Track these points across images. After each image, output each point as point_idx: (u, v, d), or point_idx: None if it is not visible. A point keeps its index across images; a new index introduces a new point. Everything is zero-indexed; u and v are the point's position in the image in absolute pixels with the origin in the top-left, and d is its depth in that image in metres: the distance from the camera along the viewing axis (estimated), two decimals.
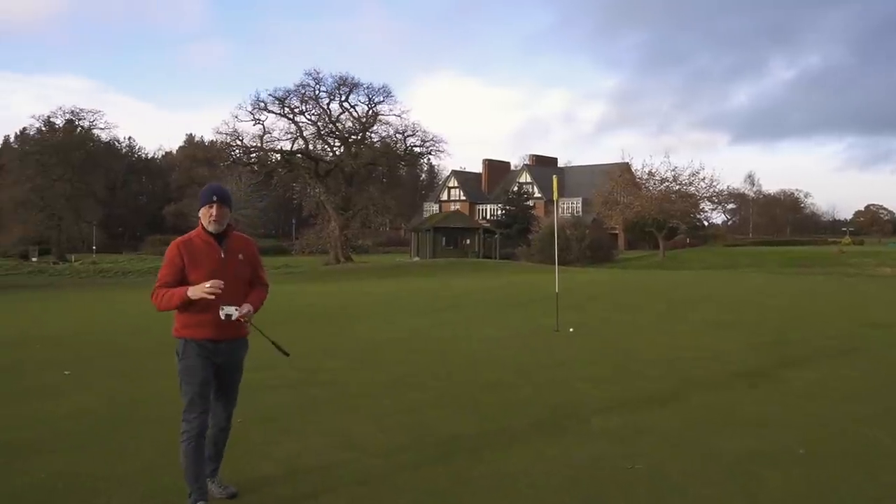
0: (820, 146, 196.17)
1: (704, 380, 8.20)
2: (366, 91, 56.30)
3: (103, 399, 7.43)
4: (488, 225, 68.89)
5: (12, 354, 10.46)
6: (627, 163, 65.37)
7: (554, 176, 13.62)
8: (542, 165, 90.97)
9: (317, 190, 56.32)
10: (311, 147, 57.35)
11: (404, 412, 6.76)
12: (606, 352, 10.30)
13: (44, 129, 74.39)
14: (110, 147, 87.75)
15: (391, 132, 57.84)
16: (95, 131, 76.90)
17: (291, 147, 56.60)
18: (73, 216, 73.05)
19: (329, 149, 59.17)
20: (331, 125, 57.13)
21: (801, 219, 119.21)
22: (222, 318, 4.18)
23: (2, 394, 7.76)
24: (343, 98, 56.28)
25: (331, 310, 17.27)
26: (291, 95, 55.12)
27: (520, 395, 7.50)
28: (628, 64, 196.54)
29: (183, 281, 4.25)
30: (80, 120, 74.88)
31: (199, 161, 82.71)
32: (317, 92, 55.61)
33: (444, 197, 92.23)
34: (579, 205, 77.59)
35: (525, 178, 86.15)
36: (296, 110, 55.67)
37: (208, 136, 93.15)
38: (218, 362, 4.35)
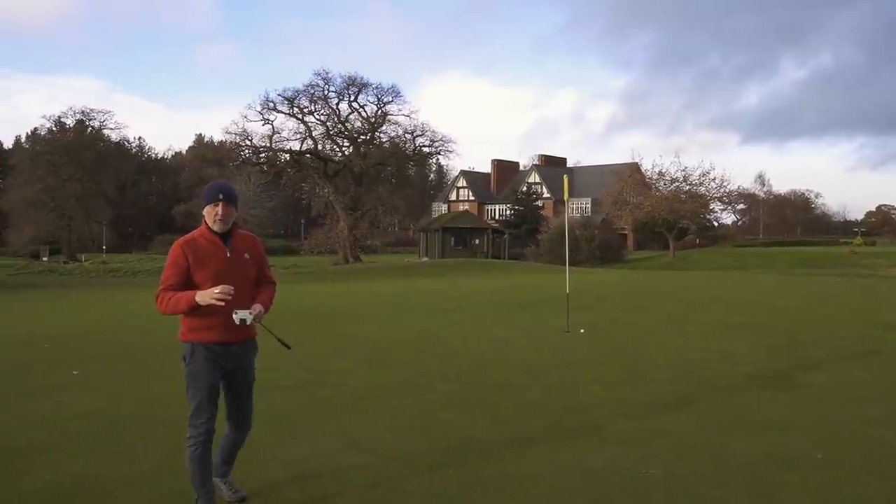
0: (831, 146, 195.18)
1: (717, 382, 8.10)
2: (375, 91, 56.40)
3: (112, 399, 7.40)
4: (497, 225, 68.81)
5: (21, 354, 10.45)
6: (637, 163, 65.20)
7: (565, 175, 13.53)
8: (551, 165, 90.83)
9: (326, 190, 56.35)
10: (320, 147, 57.42)
11: (414, 414, 6.70)
12: (617, 353, 10.21)
13: (54, 129, 74.76)
14: (120, 147, 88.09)
15: (400, 132, 57.92)
16: (106, 131, 77.35)
17: (300, 147, 56.71)
18: (83, 216, 73.37)
19: (338, 149, 59.25)
20: (340, 125, 57.17)
21: (811, 219, 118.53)
22: (237, 322, 4.04)
23: (10, 393, 7.73)
24: (352, 98, 56.37)
25: (339, 310, 17.23)
26: (300, 95, 55.26)
27: (530, 396, 7.43)
28: (638, 64, 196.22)
29: (188, 282, 4.09)
30: (90, 120, 75.29)
31: (209, 161, 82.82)
32: (326, 92, 55.70)
33: (453, 197, 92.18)
34: (588, 205, 77.45)
35: (534, 178, 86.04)
36: (305, 110, 55.76)
37: (217, 137, 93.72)
38: (228, 366, 4.22)
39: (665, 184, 59.73)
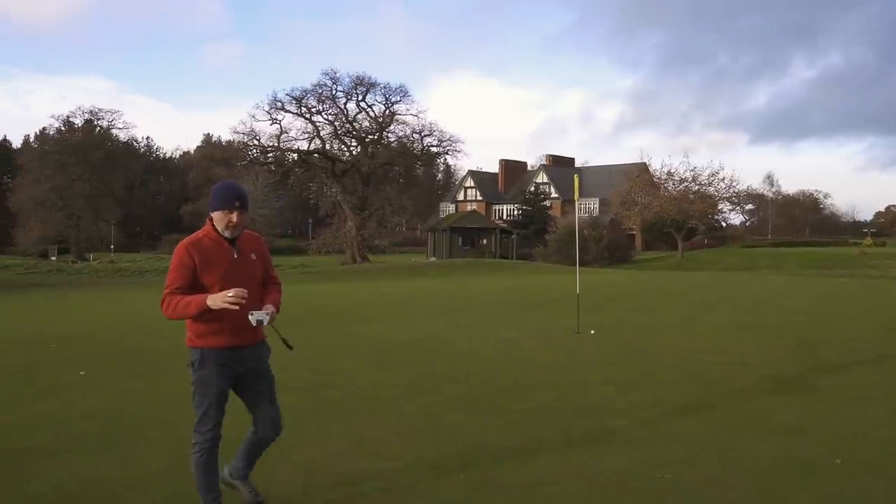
0: (840, 146, 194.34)
1: (730, 384, 7.99)
2: (383, 91, 56.46)
3: (119, 400, 7.35)
4: (505, 225, 68.70)
5: (28, 354, 10.43)
6: (645, 163, 64.99)
7: (576, 175, 13.45)
8: (559, 165, 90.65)
9: (333, 190, 56.42)
10: (327, 147, 57.47)
11: (422, 416, 6.62)
12: (628, 354, 10.11)
13: (63, 128, 75.11)
14: (129, 147, 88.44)
15: (408, 132, 57.99)
16: (114, 131, 77.72)
17: (308, 147, 56.83)
18: (91, 215, 73.65)
19: (346, 148, 59.30)
20: (348, 125, 57.24)
21: (820, 220, 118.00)
22: (253, 324, 3.89)
23: (17, 394, 7.71)
24: (360, 98, 56.44)
25: (347, 310, 17.19)
26: (308, 95, 55.36)
27: (541, 399, 7.33)
28: (646, 64, 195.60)
29: (195, 284, 3.92)
30: (98, 120, 75.65)
31: (217, 161, 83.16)
32: (334, 91, 55.81)
33: (461, 197, 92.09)
34: (596, 205, 77.24)
35: (542, 178, 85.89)
36: (313, 110, 55.86)
37: (225, 136, 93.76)
38: (239, 371, 4.07)
39: (674, 184, 59.52)
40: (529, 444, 5.72)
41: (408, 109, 57.44)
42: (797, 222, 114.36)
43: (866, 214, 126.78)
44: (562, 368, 9.08)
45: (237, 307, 3.77)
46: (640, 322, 13.96)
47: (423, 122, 57.89)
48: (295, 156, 57.30)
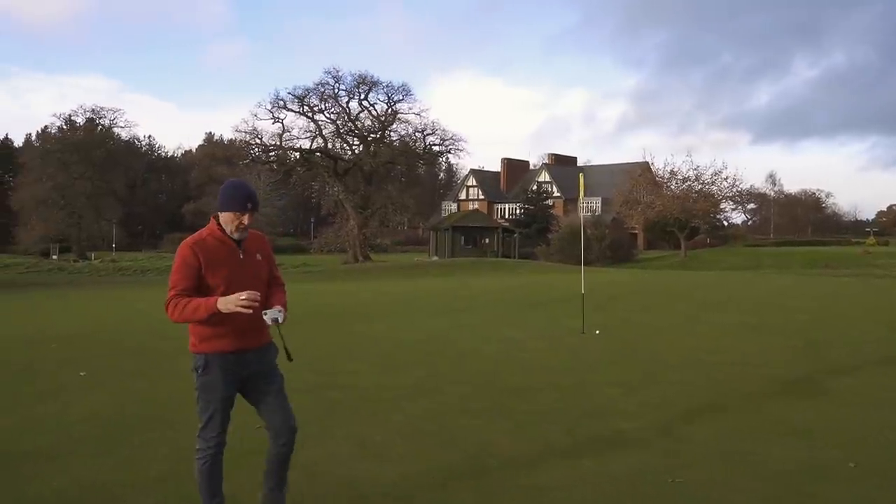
0: (843, 146, 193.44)
1: (738, 385, 7.89)
2: (385, 90, 56.38)
3: (120, 401, 7.27)
4: (507, 224, 68.60)
5: (28, 354, 10.34)
6: (647, 162, 64.88)
7: (580, 174, 13.38)
8: (562, 164, 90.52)
9: (335, 189, 56.36)
10: (330, 146, 57.42)
11: (426, 418, 6.52)
12: (633, 355, 10.02)
13: (65, 127, 75.01)
14: (130, 146, 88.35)
15: (410, 131, 57.90)
16: (116, 130, 77.59)
17: (310, 146, 56.75)
18: (93, 214, 73.56)
19: (348, 147, 59.24)
20: (350, 124, 57.17)
21: (822, 219, 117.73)
22: (268, 322, 3.76)
23: (17, 395, 7.61)
24: (362, 97, 56.36)
25: (349, 309, 17.10)
26: (311, 94, 55.30)
27: (547, 400, 7.24)
28: (649, 63, 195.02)
29: (200, 285, 3.76)
30: (100, 118, 75.52)
31: (219, 160, 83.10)
32: (336, 90, 55.73)
33: (463, 196, 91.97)
34: (599, 204, 77.09)
35: (544, 177, 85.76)
36: (315, 109, 55.79)
37: (228, 135, 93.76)
38: (245, 374, 3.91)
39: (677, 183, 59.39)
40: (537, 446, 5.63)
41: (410, 108, 57.37)
42: (799, 221, 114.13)
43: (868, 214, 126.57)
44: (566, 369, 9.00)
45: (250, 310, 3.64)
46: (644, 322, 13.87)
47: (426, 120, 57.85)
48: (297, 155, 57.24)
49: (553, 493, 4.64)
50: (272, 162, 58.35)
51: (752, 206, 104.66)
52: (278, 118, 55.08)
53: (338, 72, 55.56)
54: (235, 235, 3.85)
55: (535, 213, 71.36)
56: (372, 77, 56.17)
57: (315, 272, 36.91)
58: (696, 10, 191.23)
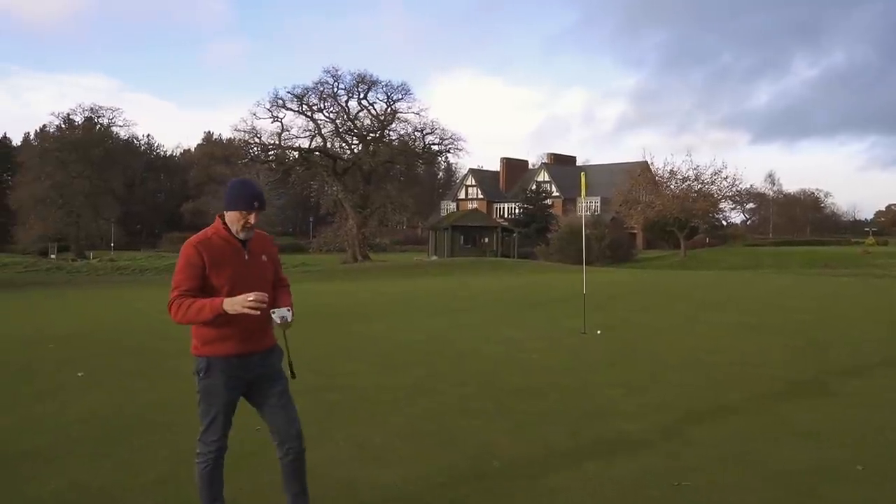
0: (842, 145, 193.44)
1: (741, 387, 7.83)
2: (384, 89, 56.31)
3: (118, 402, 7.20)
4: (506, 224, 68.55)
5: (26, 354, 10.27)
6: (646, 161, 64.86)
7: (582, 173, 13.31)
8: (561, 164, 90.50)
9: (334, 188, 56.30)
10: (329, 145, 57.33)
11: (427, 419, 6.46)
12: (634, 355, 9.96)
13: (63, 126, 74.96)
14: (129, 144, 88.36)
15: (409, 130, 57.82)
16: (114, 129, 77.67)
17: (309, 145, 56.66)
18: (91, 213, 73.52)
19: (347, 146, 59.14)
20: (349, 123, 57.09)
21: (821, 219, 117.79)
22: (277, 321, 3.66)
23: (15, 395, 7.54)
24: (361, 96, 56.27)
25: (348, 309, 17.03)
26: (310, 93, 55.20)
27: (549, 401, 7.18)
28: (649, 63, 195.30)
29: (204, 286, 3.67)
30: (99, 117, 75.56)
31: (217, 159, 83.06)
32: (335, 89, 55.65)
33: (462, 195, 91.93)
34: (598, 204, 77.07)
35: (543, 176, 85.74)
36: (314, 108, 55.71)
37: (226, 134, 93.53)
38: (249, 378, 3.82)
39: (677, 182, 59.36)
40: (539, 448, 5.57)
41: (409, 107, 57.30)
42: (798, 221, 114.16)
43: (867, 214, 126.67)
44: (567, 369, 8.94)
45: (258, 312, 3.55)
46: (645, 322, 13.81)
47: (425, 120, 57.84)
48: (296, 154, 57.14)
49: (558, 497, 4.58)
50: (271, 161, 58.21)
51: (750, 205, 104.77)
52: (277, 117, 55.07)
53: (337, 71, 55.55)
54: (241, 235, 3.77)
55: (534, 213, 71.35)
56: (371, 76, 56.15)
57: (314, 272, 36.81)
58: (696, 9, 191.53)
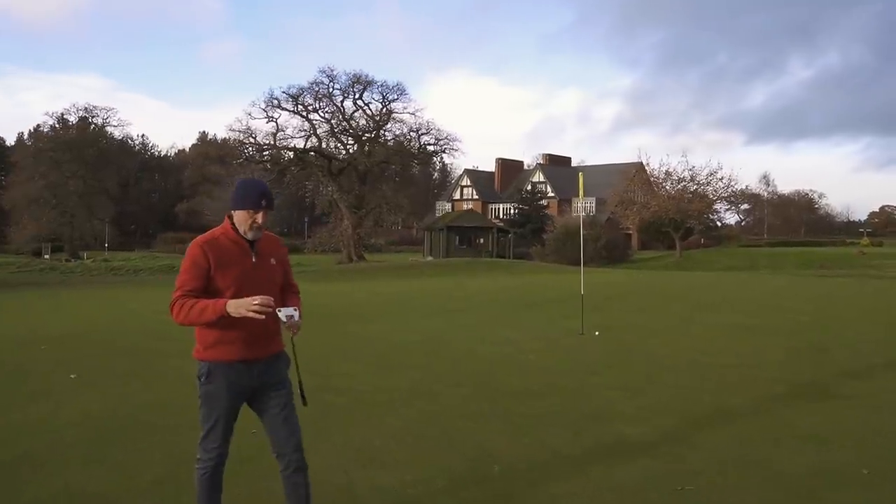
0: (837, 146, 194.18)
1: (743, 388, 7.77)
2: (380, 89, 56.20)
3: (112, 403, 7.11)
4: (502, 224, 68.49)
5: (19, 355, 10.16)
6: (641, 162, 64.87)
7: (580, 173, 13.25)
8: (556, 165, 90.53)
9: (330, 188, 56.14)
10: (324, 145, 57.20)
11: (425, 422, 6.38)
12: (633, 357, 9.90)
13: (57, 126, 74.70)
14: (123, 144, 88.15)
15: (405, 130, 57.72)
16: (109, 129, 77.41)
17: (305, 145, 56.48)
18: (85, 213, 73.27)
19: (342, 147, 58.97)
20: (344, 123, 56.96)
21: (815, 219, 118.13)
22: (283, 319, 3.51)
23: (7, 397, 7.44)
24: (357, 96, 56.16)
25: (344, 310, 16.94)
26: (305, 93, 55.05)
27: (548, 404, 7.10)
28: (645, 63, 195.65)
29: (208, 287, 3.54)
30: (93, 117, 75.32)
31: (212, 159, 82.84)
32: (331, 89, 55.50)
33: (457, 196, 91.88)
34: (593, 204, 77.06)
35: (538, 177, 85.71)
36: (309, 108, 55.56)
37: (221, 134, 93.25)
38: (254, 385, 3.67)
39: (673, 183, 59.36)
40: (540, 452, 5.50)
41: (405, 108, 57.19)
42: (792, 222, 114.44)
43: (860, 214, 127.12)
44: (565, 371, 8.88)
45: (262, 316, 3.42)
46: (642, 323, 13.76)
47: (420, 120, 57.79)
48: (291, 154, 56.99)
49: (563, 501, 4.50)
50: (266, 161, 58.04)
51: (745, 206, 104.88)
52: (272, 117, 54.89)
53: (332, 71, 55.41)
54: (249, 235, 3.65)
55: (529, 214, 71.30)
56: (367, 76, 56.04)
57: (309, 272, 36.68)
58: (692, 9, 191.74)
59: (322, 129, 56.69)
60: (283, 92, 55.18)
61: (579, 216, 61.41)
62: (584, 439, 5.84)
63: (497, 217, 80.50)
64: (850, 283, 25.97)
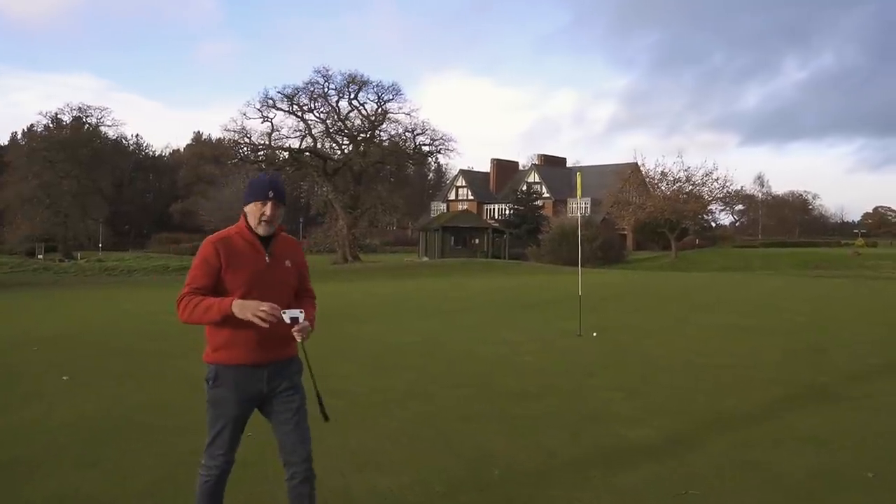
0: (831, 147, 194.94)
1: (742, 390, 7.72)
2: (375, 89, 56.03)
3: (106, 405, 7.01)
4: (497, 225, 68.46)
5: (10, 357, 10.05)
6: (636, 163, 64.91)
7: (578, 173, 13.21)
8: (551, 165, 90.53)
9: (325, 188, 56.01)
10: (319, 145, 57.04)
11: (423, 424, 6.31)
12: (631, 358, 9.85)
13: (51, 125, 74.38)
14: (117, 144, 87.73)
15: (400, 131, 57.54)
16: (103, 128, 77.03)
17: (300, 145, 56.33)
18: (79, 213, 72.93)
19: (337, 147, 58.85)
20: (339, 123, 56.80)
21: (809, 220, 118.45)
22: (287, 321, 3.36)
23: None
24: (352, 96, 56.00)
25: (339, 310, 16.84)
26: (300, 93, 54.85)
27: (545, 405, 7.05)
28: (640, 64, 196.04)
29: (218, 286, 3.42)
30: (87, 117, 74.96)
31: (207, 159, 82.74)
32: (326, 89, 55.31)
33: (452, 196, 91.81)
34: (588, 205, 77.08)
35: (533, 177, 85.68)
36: (304, 108, 55.37)
37: (216, 134, 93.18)
38: (263, 390, 3.53)
39: (668, 184, 59.40)
40: (540, 455, 5.43)
41: (400, 108, 57.02)
42: (787, 223, 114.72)
43: (854, 215, 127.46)
44: (563, 372, 8.83)
45: (266, 325, 3.27)
46: (639, 324, 13.71)
47: (416, 120, 57.51)
48: (286, 154, 56.81)
49: None
50: (261, 161, 57.83)
51: (739, 207, 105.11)
52: (267, 117, 54.71)
53: (328, 71, 55.20)
54: (260, 230, 3.51)
55: (524, 214, 71.27)
56: (362, 76, 55.85)
57: None
58: (688, 10, 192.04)
59: (317, 129, 56.57)
60: (278, 92, 55.04)
61: (577, 216, 61.72)
62: (583, 442, 5.78)
63: (492, 218, 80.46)
64: (846, 284, 25.99)
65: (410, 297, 20.22)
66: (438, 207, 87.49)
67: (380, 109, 56.58)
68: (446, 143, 57.88)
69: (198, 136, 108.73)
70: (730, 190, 61.07)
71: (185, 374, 8.23)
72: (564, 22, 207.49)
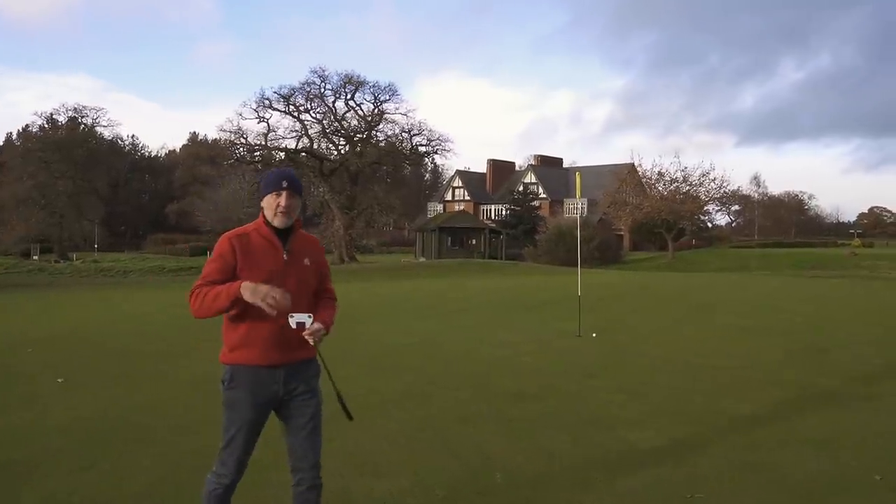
0: (827, 148, 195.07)
1: (744, 391, 7.68)
2: (372, 89, 55.93)
3: (102, 407, 6.95)
4: (493, 225, 68.43)
5: (5, 358, 9.97)
6: (633, 163, 64.94)
7: (578, 173, 13.17)
8: (547, 166, 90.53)
9: (321, 189, 55.92)
10: (315, 145, 56.94)
11: (422, 426, 6.26)
12: (630, 359, 9.81)
13: (46, 126, 74.14)
14: (113, 145, 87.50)
15: (397, 131, 57.46)
16: (98, 129, 76.67)
17: (296, 145, 56.22)
18: (74, 214, 72.71)
19: (334, 147, 58.74)
20: (336, 123, 56.71)
21: (804, 221, 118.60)
22: (292, 326, 3.29)
23: None
24: (349, 96, 55.89)
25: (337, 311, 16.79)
26: (297, 93, 54.73)
27: (545, 406, 7.00)
28: (637, 64, 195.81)
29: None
30: (83, 117, 74.65)
31: (203, 159, 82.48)
32: (322, 90, 55.19)
33: (449, 197, 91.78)
34: (585, 205, 77.07)
35: (530, 178, 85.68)
36: (301, 108, 55.25)
37: (212, 135, 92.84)
38: (279, 393, 3.43)
39: (665, 184, 59.42)
40: (540, 457, 5.38)
41: (397, 108, 56.92)
42: (783, 223, 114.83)
43: (849, 216, 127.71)
44: (562, 373, 8.79)
45: (274, 312, 3.21)
46: (637, 324, 13.68)
47: (412, 121, 57.45)
48: (282, 154, 56.68)
49: None
50: (257, 162, 57.76)
51: (735, 207, 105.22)
52: (263, 118, 54.58)
53: (324, 71, 55.07)
54: (276, 221, 3.45)
55: (521, 214, 71.25)
56: (358, 77, 55.74)
57: None
58: (686, 11, 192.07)
59: (313, 129, 56.45)
60: (275, 92, 54.88)
61: (574, 217, 61.69)
62: (585, 444, 5.72)
63: (489, 218, 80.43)
64: (843, 284, 26.00)
65: (408, 298, 20.17)
66: (435, 208, 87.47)
67: (376, 110, 56.52)
68: (443, 144, 57.85)
69: (194, 136, 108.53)
70: (726, 190, 61.15)
71: (182, 374, 8.18)
72: (562, 22, 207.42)
